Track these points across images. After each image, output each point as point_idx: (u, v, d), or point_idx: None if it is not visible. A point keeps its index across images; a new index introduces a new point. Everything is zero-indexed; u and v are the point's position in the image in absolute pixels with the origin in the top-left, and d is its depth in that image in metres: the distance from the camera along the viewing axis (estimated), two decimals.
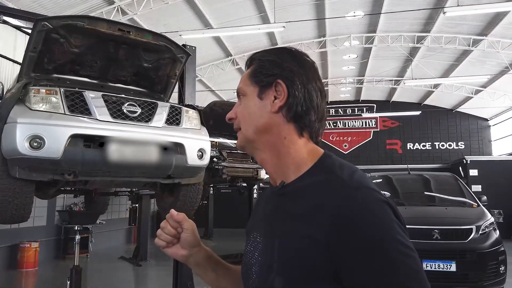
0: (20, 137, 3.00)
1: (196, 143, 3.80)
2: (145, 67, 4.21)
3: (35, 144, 3.02)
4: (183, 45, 4.59)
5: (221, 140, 8.77)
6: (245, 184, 9.54)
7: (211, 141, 8.79)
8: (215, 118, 8.93)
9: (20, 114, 3.08)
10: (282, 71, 0.92)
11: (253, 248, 0.94)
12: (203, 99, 13.59)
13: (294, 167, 0.91)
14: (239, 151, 8.71)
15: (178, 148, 3.65)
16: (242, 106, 0.98)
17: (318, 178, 0.85)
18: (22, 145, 2.99)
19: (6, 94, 4.07)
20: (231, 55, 15.34)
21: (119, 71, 4.21)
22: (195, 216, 5.68)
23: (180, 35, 10.11)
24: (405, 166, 9.28)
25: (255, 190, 10.73)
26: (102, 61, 4.05)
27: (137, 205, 9.13)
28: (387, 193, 6.36)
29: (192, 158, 3.72)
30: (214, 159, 7.69)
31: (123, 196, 7.92)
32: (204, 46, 12.19)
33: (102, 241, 10.45)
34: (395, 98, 20.56)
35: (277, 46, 1.17)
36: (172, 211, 1.04)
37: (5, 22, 6.68)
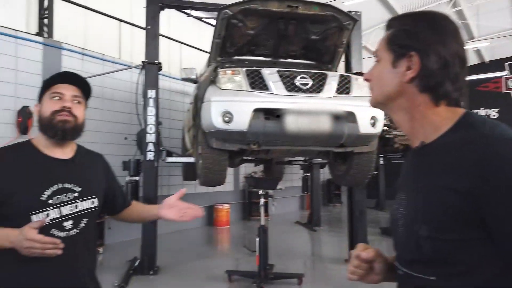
0: (215, 113, 3.52)
1: (368, 111, 3.73)
2: (313, 40, 4.31)
3: (226, 118, 3.51)
4: (349, 11, 4.49)
5: None
6: None
7: None
8: None
9: (213, 94, 3.61)
10: (416, 42, 0.90)
11: (398, 205, 0.96)
12: (369, 67, 13.02)
13: (432, 128, 0.90)
14: None
15: (350, 116, 3.66)
16: (376, 70, 0.99)
17: (459, 135, 0.85)
18: (217, 120, 3.50)
19: (199, 77, 4.79)
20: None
21: (289, 46, 4.44)
22: (366, 188, 5.66)
23: (343, 2, 9.86)
24: None
25: None
26: (273, 39, 4.33)
27: (308, 174, 9.63)
28: None
29: (364, 126, 3.68)
30: (385, 127, 7.36)
31: (296, 165, 8.46)
32: (367, 9, 11.56)
33: (278, 206, 11.44)
34: None
35: (417, 11, 1.05)
36: (362, 254, 1.03)
37: (189, 15, 7.76)
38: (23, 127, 5.92)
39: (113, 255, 6.15)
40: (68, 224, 1.41)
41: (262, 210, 4.81)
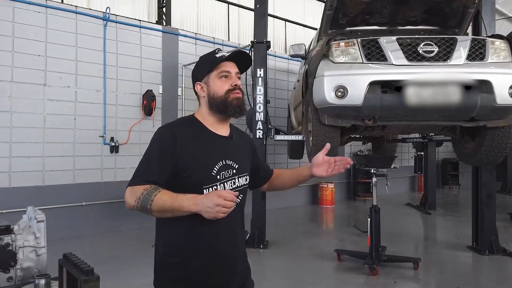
0: (328, 88, 3.39)
1: (507, 79, 3.22)
2: (437, 2, 3.84)
3: (339, 93, 3.36)
4: None
5: None
6: None
7: None
8: None
9: (325, 68, 3.48)
10: None
11: None
12: (496, 30, 11.36)
13: None
14: None
15: (484, 86, 3.20)
16: None
17: None
18: (330, 95, 3.38)
19: (308, 53, 4.68)
20: None
21: (408, 12, 4.04)
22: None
23: None
24: None
25: None
26: (391, 5, 3.98)
27: (422, 152, 8.90)
28: None
29: (502, 97, 3.19)
30: None
31: (409, 143, 7.86)
32: None
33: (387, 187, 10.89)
34: None
35: None
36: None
37: None
38: (147, 109, 6.56)
39: None
40: None
41: (375, 189, 4.58)
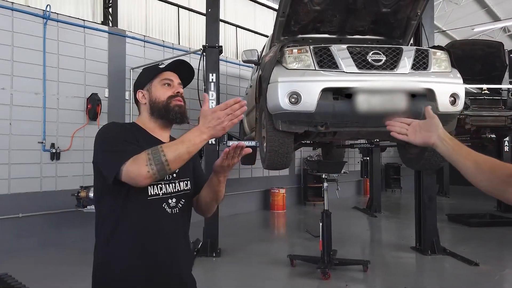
0: (282, 94, 3.40)
1: (448, 88, 3.43)
2: (384, 13, 4.02)
3: (293, 99, 3.38)
4: None
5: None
6: (494, 135, 8.20)
7: None
8: (455, 61, 7.89)
9: (279, 74, 3.48)
10: None
11: None
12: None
13: None
14: (486, 97, 7.49)
15: (428, 94, 3.37)
16: None
17: None
18: (283, 101, 3.39)
19: (261, 59, 4.68)
20: None
21: (356, 21, 4.18)
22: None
23: None
24: None
25: (506, 142, 9.07)
26: (340, 14, 4.10)
27: (368, 158, 9.27)
28: None
29: (443, 105, 3.38)
30: None
31: (355, 148, 8.16)
32: None
33: (334, 192, 11.22)
34: None
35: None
36: None
37: None
38: (92, 114, 6.21)
39: None
40: (172, 201, 1.45)
41: (326, 194, 4.67)
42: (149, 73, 1.55)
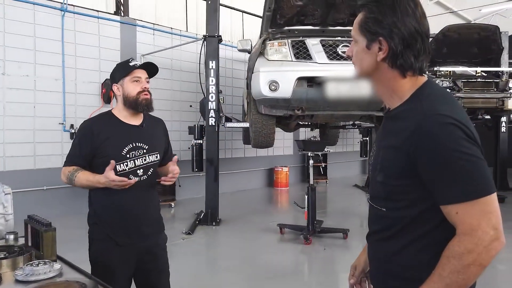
0: (263, 82, 3.93)
1: None
2: (360, 5, 4.42)
3: (272, 87, 3.90)
4: None
5: (457, 68, 8.00)
6: (489, 116, 8.46)
7: (445, 71, 8.12)
8: (450, 45, 8.13)
9: (261, 65, 4.01)
10: (382, 29, 1.09)
11: (372, 155, 1.26)
12: (443, 23, 12.23)
13: (398, 97, 1.14)
14: (478, 80, 7.75)
15: None
16: (355, 50, 1.19)
17: (409, 106, 1.11)
18: (265, 89, 3.92)
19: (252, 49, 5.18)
20: None
21: (337, 14, 4.61)
22: None
23: None
24: None
25: (503, 123, 9.31)
26: (321, 8, 4.53)
27: (367, 138, 9.70)
28: None
29: None
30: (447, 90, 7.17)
31: (354, 129, 8.60)
32: None
33: (339, 170, 11.72)
34: None
35: None
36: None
37: None
38: (106, 97, 6.87)
39: (183, 208, 7.05)
40: (140, 172, 1.99)
41: (311, 171, 5.19)
42: (123, 70, 1.97)
